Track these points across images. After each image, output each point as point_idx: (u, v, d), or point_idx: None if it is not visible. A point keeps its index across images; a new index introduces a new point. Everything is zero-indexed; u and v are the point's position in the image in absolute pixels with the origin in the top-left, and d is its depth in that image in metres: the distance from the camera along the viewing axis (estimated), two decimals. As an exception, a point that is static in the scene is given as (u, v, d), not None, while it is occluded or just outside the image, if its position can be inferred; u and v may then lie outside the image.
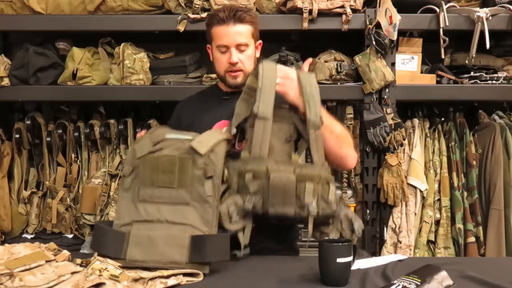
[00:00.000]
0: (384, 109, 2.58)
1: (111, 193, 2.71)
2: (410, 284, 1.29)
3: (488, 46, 2.47)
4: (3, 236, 2.79)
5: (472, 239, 2.57)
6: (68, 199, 2.79)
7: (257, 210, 1.55)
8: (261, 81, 1.61)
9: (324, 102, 2.64)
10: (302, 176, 1.56)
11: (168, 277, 1.37)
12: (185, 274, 1.41)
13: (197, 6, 2.52)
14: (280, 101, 1.66)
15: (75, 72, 2.64)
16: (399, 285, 1.29)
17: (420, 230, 2.61)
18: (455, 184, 2.61)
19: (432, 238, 2.61)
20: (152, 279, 1.35)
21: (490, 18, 2.51)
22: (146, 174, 1.54)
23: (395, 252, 2.56)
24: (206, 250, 1.43)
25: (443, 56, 2.58)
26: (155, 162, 1.54)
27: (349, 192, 2.71)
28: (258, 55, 1.93)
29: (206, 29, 1.92)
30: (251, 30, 1.86)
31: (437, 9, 2.55)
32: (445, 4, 2.54)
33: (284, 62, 2.59)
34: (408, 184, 2.60)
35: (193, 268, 1.41)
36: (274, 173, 1.54)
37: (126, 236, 1.46)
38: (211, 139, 1.57)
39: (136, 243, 1.45)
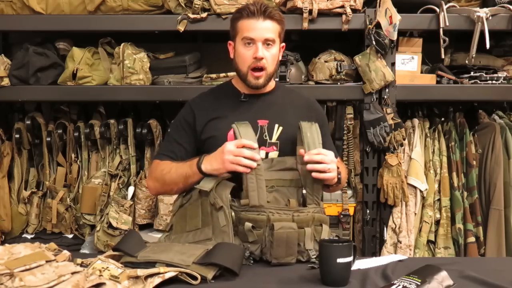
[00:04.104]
0: (384, 109, 2.58)
1: (111, 193, 2.71)
2: (410, 284, 1.29)
3: (488, 46, 2.47)
4: (3, 236, 2.79)
5: (472, 239, 2.56)
6: (68, 199, 2.79)
7: (255, 257, 1.59)
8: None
9: (324, 102, 2.66)
10: (300, 222, 1.60)
11: (165, 273, 1.37)
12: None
13: (197, 6, 2.52)
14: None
15: (75, 72, 2.64)
16: (399, 285, 1.29)
17: (420, 230, 2.61)
18: (455, 184, 2.61)
19: (432, 238, 2.61)
20: (150, 276, 1.35)
21: (490, 18, 2.51)
22: (177, 223, 1.73)
23: (395, 252, 2.56)
24: (215, 253, 1.43)
25: (443, 56, 2.58)
26: (184, 212, 1.72)
27: (349, 192, 2.71)
28: (280, 57, 1.91)
29: (230, 24, 1.87)
30: (278, 29, 1.83)
31: (437, 9, 2.55)
32: (445, 4, 2.54)
33: (284, 62, 2.58)
34: (408, 184, 2.60)
35: (197, 270, 1.39)
36: (277, 225, 1.55)
37: (148, 245, 1.57)
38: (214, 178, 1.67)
39: (152, 247, 1.53)
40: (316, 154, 1.67)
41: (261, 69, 1.82)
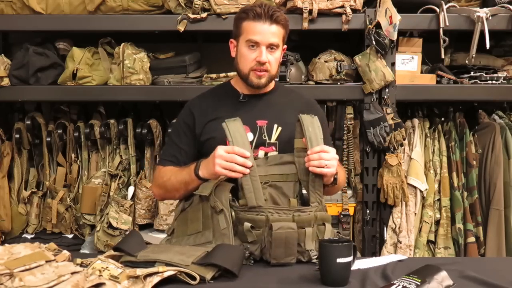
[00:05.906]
0: (384, 109, 2.58)
1: (111, 193, 2.71)
2: (410, 284, 1.29)
3: (488, 46, 2.47)
4: (3, 236, 2.79)
5: (472, 239, 2.56)
6: (68, 199, 2.79)
7: (255, 257, 1.58)
8: (230, 137, 1.65)
9: (324, 102, 2.66)
10: (301, 222, 1.59)
11: (164, 272, 1.37)
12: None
13: (197, 6, 2.52)
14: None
15: (75, 72, 2.64)
16: (399, 285, 1.29)
17: (420, 230, 2.61)
18: (455, 184, 2.61)
19: (432, 238, 2.61)
20: (150, 275, 1.35)
21: (490, 18, 2.51)
22: (178, 227, 1.74)
23: (395, 252, 2.56)
24: (215, 253, 1.43)
25: (443, 56, 2.58)
26: (185, 216, 1.73)
27: (349, 192, 2.71)
28: (281, 59, 1.90)
29: (234, 22, 1.85)
30: (283, 33, 1.82)
31: (437, 9, 2.55)
32: (445, 4, 2.54)
33: (284, 62, 2.58)
34: (408, 184, 2.60)
35: (197, 270, 1.39)
36: (275, 225, 1.54)
37: (148, 245, 1.57)
38: (212, 182, 1.67)
39: (152, 247, 1.53)
40: (318, 152, 1.65)
41: (263, 70, 1.82)
